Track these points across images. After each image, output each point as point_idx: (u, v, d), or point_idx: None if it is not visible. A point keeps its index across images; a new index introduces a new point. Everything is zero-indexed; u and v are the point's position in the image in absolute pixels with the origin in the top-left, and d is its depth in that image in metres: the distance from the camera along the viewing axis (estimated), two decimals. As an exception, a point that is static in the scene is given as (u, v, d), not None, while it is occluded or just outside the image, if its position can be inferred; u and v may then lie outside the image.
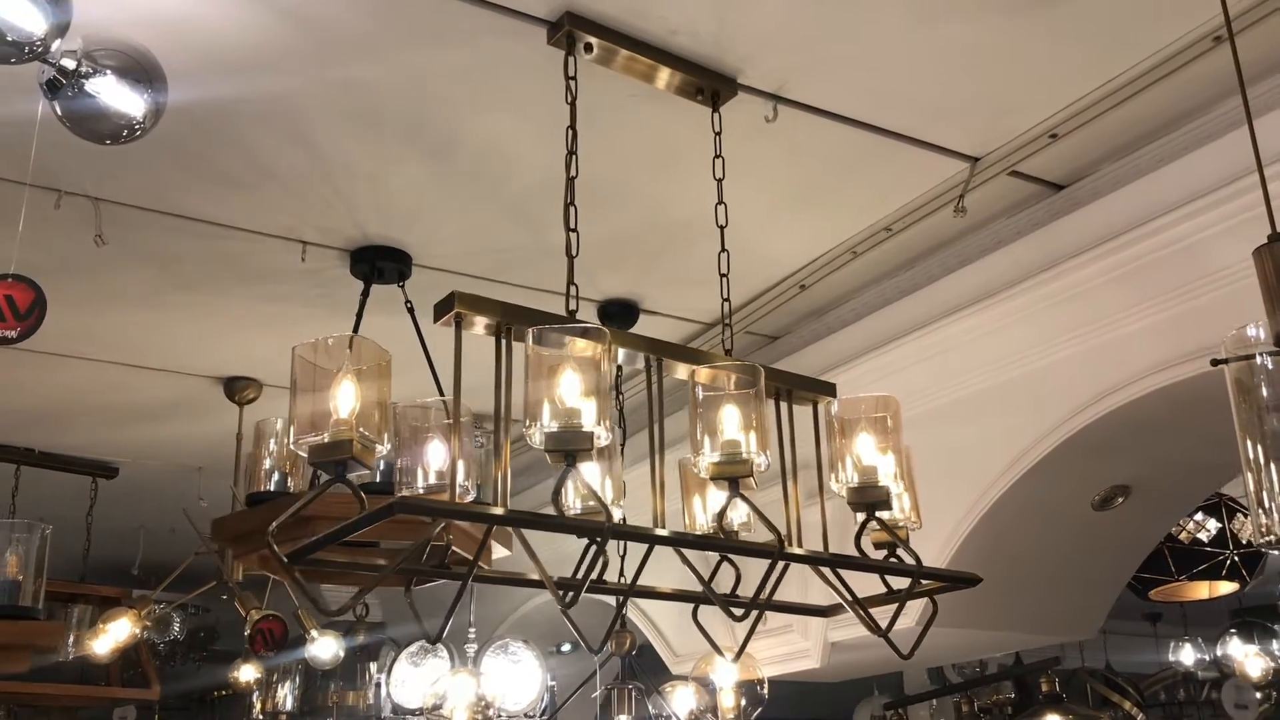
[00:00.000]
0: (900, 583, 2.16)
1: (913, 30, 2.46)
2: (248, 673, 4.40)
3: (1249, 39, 2.42)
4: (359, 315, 3.23)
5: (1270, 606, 5.99)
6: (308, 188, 2.97)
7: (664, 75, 2.50)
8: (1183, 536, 4.13)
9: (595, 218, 3.12)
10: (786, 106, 2.66)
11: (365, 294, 3.26)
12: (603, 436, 1.82)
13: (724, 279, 2.50)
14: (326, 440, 1.82)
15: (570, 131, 2.32)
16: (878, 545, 2.21)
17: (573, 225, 2.26)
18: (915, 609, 3.04)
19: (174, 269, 3.38)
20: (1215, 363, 1.75)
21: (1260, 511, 1.65)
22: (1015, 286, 3.09)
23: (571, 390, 1.84)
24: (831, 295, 3.61)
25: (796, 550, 2.01)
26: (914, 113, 2.75)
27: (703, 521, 2.26)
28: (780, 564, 2.06)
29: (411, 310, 3.31)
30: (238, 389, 4.29)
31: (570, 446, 1.80)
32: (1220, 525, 4.22)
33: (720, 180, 2.50)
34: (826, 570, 2.17)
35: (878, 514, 2.11)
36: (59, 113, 2.07)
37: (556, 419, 1.81)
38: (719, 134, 2.53)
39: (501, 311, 2.01)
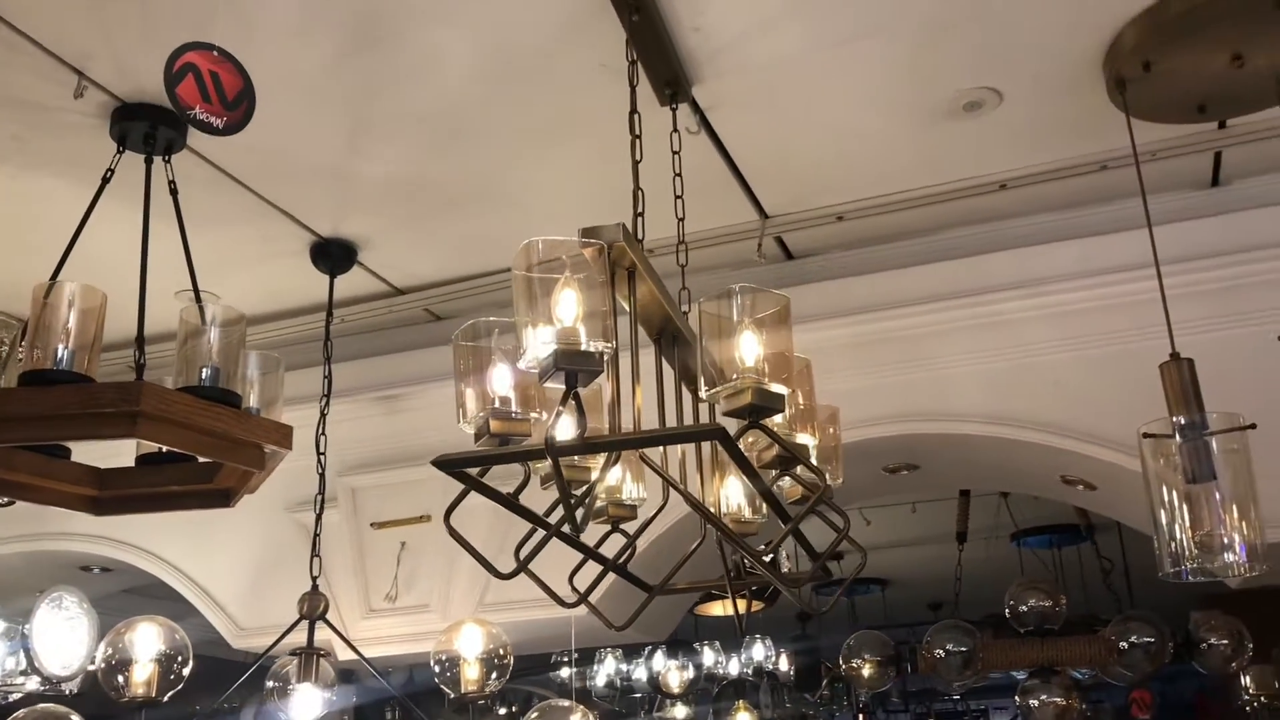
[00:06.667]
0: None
1: (835, 104, 2.85)
2: None
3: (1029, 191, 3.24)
4: (147, 196, 2.65)
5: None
6: (180, 7, 2.38)
7: (663, 61, 2.58)
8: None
9: (423, 156, 2.98)
10: (703, 125, 2.88)
11: (148, 161, 2.68)
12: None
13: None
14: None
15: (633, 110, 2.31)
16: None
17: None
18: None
19: None
20: (1146, 435, 2.39)
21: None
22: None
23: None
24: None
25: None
26: (767, 162, 3.11)
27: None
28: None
29: (175, 192, 2.80)
30: None
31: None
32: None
33: (679, 175, 2.62)
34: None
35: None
36: None
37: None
38: (675, 132, 2.66)
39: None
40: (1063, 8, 2.52)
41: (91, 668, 3.58)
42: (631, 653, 5.80)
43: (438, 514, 3.86)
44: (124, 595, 5.18)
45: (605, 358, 1.71)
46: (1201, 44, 2.55)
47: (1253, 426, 2.33)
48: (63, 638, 3.43)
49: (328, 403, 3.38)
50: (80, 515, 3.43)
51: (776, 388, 1.91)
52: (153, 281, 2.72)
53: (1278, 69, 2.64)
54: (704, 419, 2.21)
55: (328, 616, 3.30)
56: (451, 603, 3.71)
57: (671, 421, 2.16)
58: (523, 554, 1.89)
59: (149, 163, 2.70)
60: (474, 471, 1.80)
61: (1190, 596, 5.11)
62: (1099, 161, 3.10)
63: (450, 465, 1.72)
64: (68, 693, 3.69)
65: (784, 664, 6.20)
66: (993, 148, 3.06)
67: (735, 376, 1.89)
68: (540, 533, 1.92)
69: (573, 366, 1.68)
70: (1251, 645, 4.26)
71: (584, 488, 2.17)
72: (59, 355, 2.29)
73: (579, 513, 1.93)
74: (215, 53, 1.44)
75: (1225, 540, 2.35)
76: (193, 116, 1.43)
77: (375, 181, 3.11)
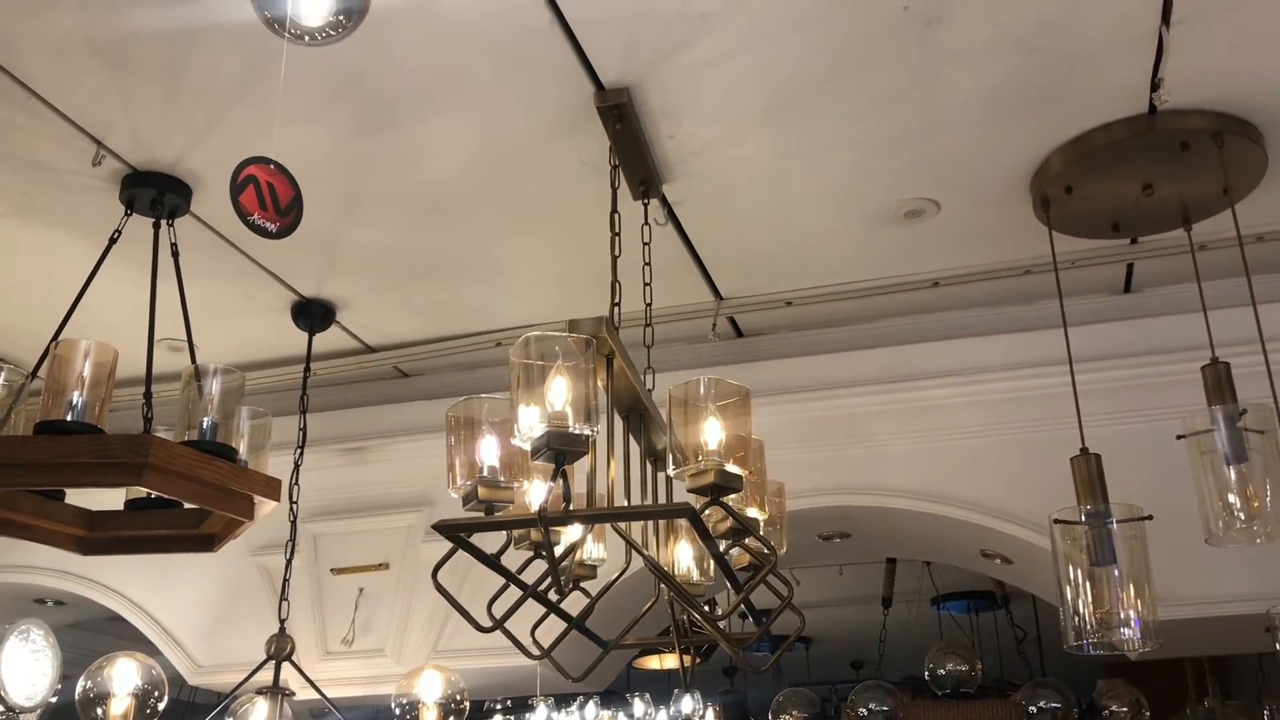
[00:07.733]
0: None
1: (790, 204, 3.13)
2: None
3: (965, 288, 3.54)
4: (155, 259, 2.85)
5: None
6: (203, 92, 2.62)
7: (640, 162, 2.85)
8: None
9: (407, 229, 3.21)
10: (670, 218, 3.15)
11: (156, 226, 2.89)
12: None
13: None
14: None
15: (613, 202, 2.57)
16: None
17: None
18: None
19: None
20: (1056, 521, 2.67)
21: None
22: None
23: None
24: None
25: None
26: (725, 251, 3.39)
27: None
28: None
29: (176, 254, 2.99)
30: None
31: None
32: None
33: (648, 264, 2.88)
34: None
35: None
36: None
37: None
38: (646, 224, 2.92)
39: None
40: (997, 134, 2.83)
41: (54, 700, 3.71)
42: (562, 701, 5.96)
43: (396, 562, 4.06)
44: (69, 629, 5.25)
45: (590, 440, 1.95)
46: (1117, 173, 2.88)
47: (1150, 518, 2.63)
48: (28, 669, 3.55)
49: (302, 454, 3.56)
50: (45, 548, 3.56)
51: (735, 469, 2.16)
52: (139, 328, 2.89)
53: (1182, 198, 2.98)
54: (662, 487, 2.46)
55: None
56: (406, 648, 3.89)
57: (636, 491, 2.40)
58: (500, 613, 2.10)
59: (156, 227, 2.90)
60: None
61: (1097, 665, 5.44)
62: (1023, 266, 3.43)
63: (450, 530, 1.94)
64: (24, 723, 3.79)
65: (710, 717, 6.41)
66: (929, 249, 3.36)
67: (700, 458, 2.14)
68: (510, 590, 2.14)
69: (563, 447, 1.91)
70: (1149, 713, 4.57)
71: (559, 549, 2.40)
72: (73, 404, 2.47)
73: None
74: (272, 166, 1.66)
75: (1123, 617, 2.64)
76: (252, 221, 1.65)
77: (360, 249, 3.33)
